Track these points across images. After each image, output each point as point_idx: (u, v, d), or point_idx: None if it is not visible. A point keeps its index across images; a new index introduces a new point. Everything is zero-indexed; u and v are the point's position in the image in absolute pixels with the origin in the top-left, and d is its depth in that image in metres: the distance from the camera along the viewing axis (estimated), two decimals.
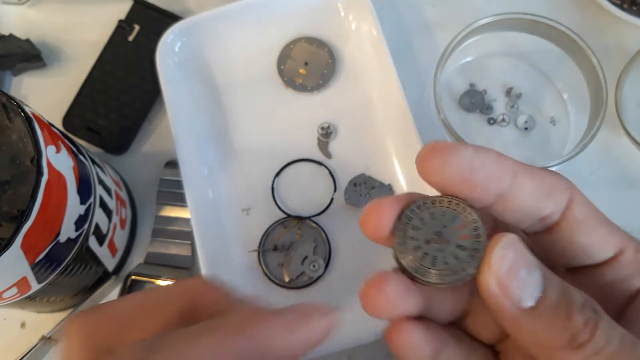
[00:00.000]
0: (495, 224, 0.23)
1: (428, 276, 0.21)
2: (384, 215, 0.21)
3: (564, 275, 0.22)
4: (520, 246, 0.20)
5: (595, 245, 0.21)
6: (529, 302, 0.19)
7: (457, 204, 0.21)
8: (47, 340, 0.43)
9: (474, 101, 0.48)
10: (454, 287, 0.20)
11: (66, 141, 0.36)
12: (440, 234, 0.21)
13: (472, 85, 0.49)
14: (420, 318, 0.22)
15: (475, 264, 0.20)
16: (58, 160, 0.33)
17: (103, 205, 0.39)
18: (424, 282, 0.21)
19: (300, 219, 0.45)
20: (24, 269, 0.32)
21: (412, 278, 0.21)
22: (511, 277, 0.19)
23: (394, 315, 0.21)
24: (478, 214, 0.20)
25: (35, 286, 0.35)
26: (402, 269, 0.21)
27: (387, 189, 0.45)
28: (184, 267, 0.45)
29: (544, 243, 0.22)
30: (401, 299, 0.21)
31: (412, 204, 0.21)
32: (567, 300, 0.19)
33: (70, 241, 0.35)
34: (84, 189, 0.36)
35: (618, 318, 0.21)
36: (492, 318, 0.23)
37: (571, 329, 0.19)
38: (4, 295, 0.33)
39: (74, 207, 0.34)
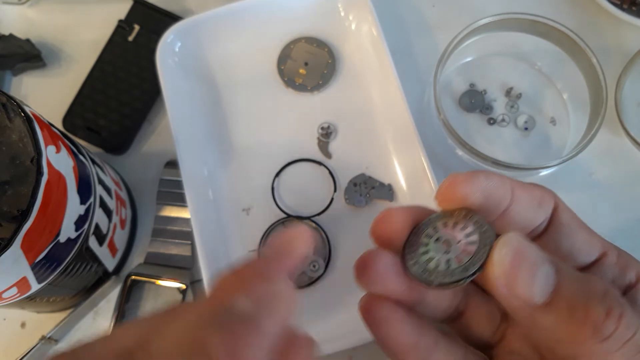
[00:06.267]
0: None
1: (433, 278, 0.21)
2: (394, 224, 0.22)
3: None
4: (523, 242, 0.19)
5: (580, 247, 0.22)
6: (542, 298, 0.19)
7: (466, 214, 0.22)
8: (47, 340, 0.43)
9: (474, 101, 0.48)
10: (458, 287, 0.21)
11: (66, 141, 0.36)
12: (448, 241, 0.22)
13: (472, 85, 0.49)
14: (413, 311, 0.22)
15: (477, 266, 0.20)
16: (58, 160, 0.33)
17: (103, 205, 0.39)
18: (428, 283, 0.21)
19: (300, 219, 0.45)
20: (24, 269, 0.32)
21: (419, 281, 0.21)
22: (515, 275, 0.19)
23: (383, 290, 0.22)
24: (485, 221, 0.21)
25: (35, 286, 0.35)
26: (409, 273, 0.22)
27: (387, 189, 0.45)
28: (184, 267, 0.45)
29: None
30: (390, 275, 0.21)
31: (429, 216, 0.22)
32: (585, 291, 0.18)
33: (70, 241, 0.35)
34: (84, 189, 0.36)
35: None
36: (486, 319, 0.23)
37: (593, 322, 0.18)
38: (4, 295, 0.33)
39: (74, 207, 0.34)
